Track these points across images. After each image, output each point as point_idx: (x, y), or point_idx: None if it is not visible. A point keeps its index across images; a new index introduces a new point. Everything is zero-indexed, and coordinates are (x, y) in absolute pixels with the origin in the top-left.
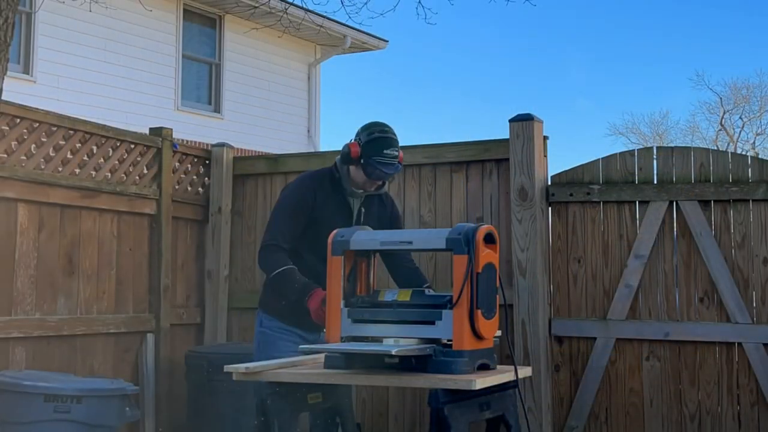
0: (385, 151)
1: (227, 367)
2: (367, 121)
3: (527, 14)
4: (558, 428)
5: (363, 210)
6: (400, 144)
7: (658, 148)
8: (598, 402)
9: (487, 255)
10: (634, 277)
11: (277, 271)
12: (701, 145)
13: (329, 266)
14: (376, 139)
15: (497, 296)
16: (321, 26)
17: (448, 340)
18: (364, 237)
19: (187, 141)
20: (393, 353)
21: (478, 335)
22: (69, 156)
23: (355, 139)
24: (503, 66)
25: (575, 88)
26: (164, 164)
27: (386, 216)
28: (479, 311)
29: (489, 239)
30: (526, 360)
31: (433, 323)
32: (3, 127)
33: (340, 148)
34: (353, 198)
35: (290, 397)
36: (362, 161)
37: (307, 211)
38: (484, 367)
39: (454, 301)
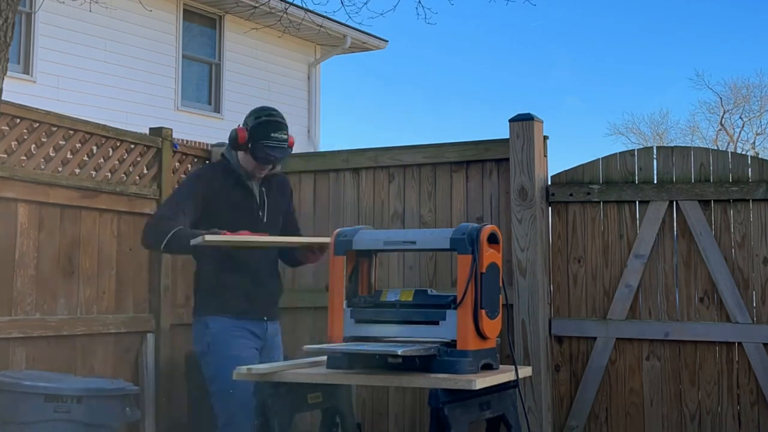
0: (272, 135)
1: (236, 372)
2: (254, 108)
3: (525, 14)
4: (558, 428)
5: (263, 189)
6: (400, 144)
7: (658, 148)
8: (598, 402)
9: (490, 255)
10: (634, 277)
11: (170, 234)
12: (701, 145)
13: (331, 266)
14: (263, 123)
15: (500, 296)
16: (321, 26)
17: (452, 340)
18: (367, 237)
19: (187, 141)
20: (399, 353)
21: (482, 335)
22: (69, 156)
23: (242, 125)
24: (502, 66)
25: (571, 88)
26: (164, 164)
27: (285, 196)
28: (483, 311)
29: (492, 239)
30: (526, 360)
31: (437, 323)
32: (3, 127)
33: (338, 149)
34: (251, 182)
35: (290, 397)
36: (250, 145)
37: (205, 197)
38: (487, 367)
39: (458, 300)
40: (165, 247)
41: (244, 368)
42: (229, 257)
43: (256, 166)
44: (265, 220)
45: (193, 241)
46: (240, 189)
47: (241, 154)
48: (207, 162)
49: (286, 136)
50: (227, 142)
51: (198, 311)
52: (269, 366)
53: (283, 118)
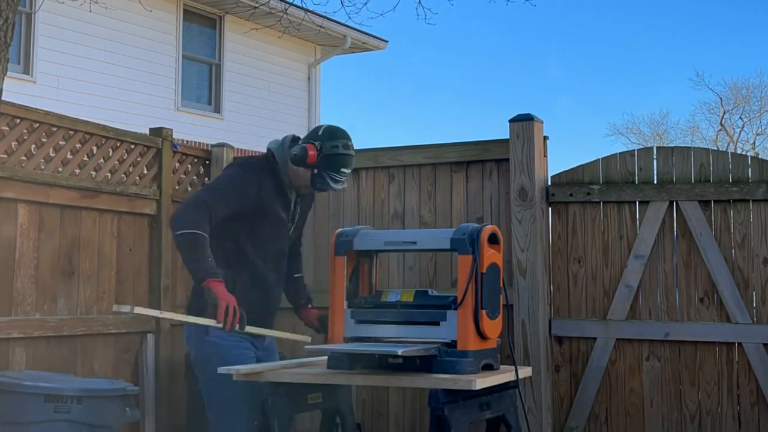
0: (342, 170)
1: (221, 369)
2: (329, 126)
3: (525, 15)
4: (558, 428)
5: (298, 200)
6: (400, 144)
7: (658, 148)
8: (598, 402)
9: (491, 255)
10: (634, 277)
11: (190, 229)
12: (701, 145)
13: (332, 266)
14: (338, 156)
15: (501, 296)
16: (321, 26)
17: (452, 341)
18: (368, 237)
19: (187, 141)
20: (399, 353)
21: (482, 335)
22: (69, 156)
23: (315, 143)
24: (502, 67)
25: (571, 88)
26: (164, 164)
27: (307, 208)
28: (484, 311)
29: (493, 239)
30: (526, 360)
31: (437, 324)
32: (3, 128)
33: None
34: (289, 190)
35: (290, 397)
36: (315, 171)
37: (246, 203)
38: (488, 368)
39: (459, 301)
40: (177, 237)
41: (233, 368)
42: (243, 268)
43: (305, 187)
44: (290, 232)
45: (310, 348)
46: (282, 200)
47: (300, 169)
48: (247, 160)
49: (350, 170)
50: (288, 151)
51: (195, 309)
52: (252, 367)
53: (354, 150)
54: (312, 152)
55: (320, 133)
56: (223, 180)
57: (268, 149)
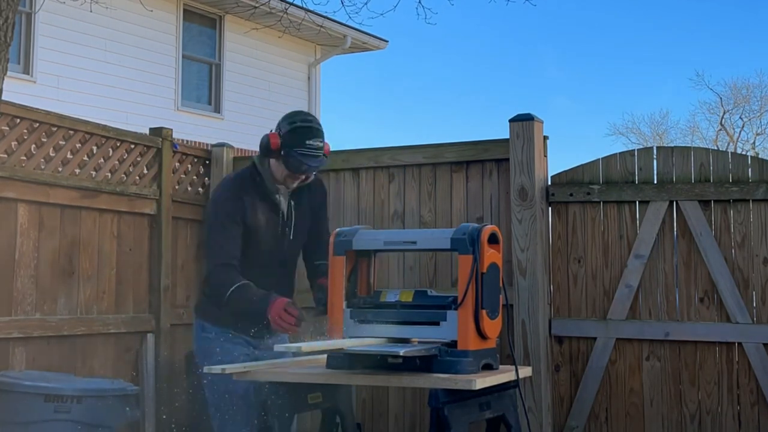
0: (307, 142)
1: (206, 368)
2: (288, 112)
3: (525, 14)
4: (558, 428)
5: (292, 203)
6: (400, 144)
7: (658, 148)
8: (598, 402)
9: (491, 255)
10: (634, 277)
11: (231, 289)
12: (701, 145)
13: (331, 266)
14: (297, 128)
15: (501, 296)
16: (321, 26)
17: (452, 341)
18: (367, 237)
19: (187, 141)
20: (400, 354)
21: (482, 335)
22: (69, 156)
23: (275, 130)
24: (502, 67)
25: (570, 88)
26: (164, 164)
27: (316, 202)
28: (484, 311)
29: (493, 239)
30: (526, 360)
31: (437, 324)
32: (3, 127)
33: (338, 149)
34: (279, 195)
35: (290, 397)
36: (283, 153)
37: (240, 221)
38: (487, 367)
39: (459, 301)
40: (228, 304)
41: (218, 367)
42: (246, 274)
43: (288, 175)
44: (291, 237)
45: (307, 347)
46: (267, 204)
47: (272, 161)
48: (217, 170)
49: (321, 144)
50: (259, 151)
51: (199, 313)
52: (260, 363)
53: (320, 124)
54: (274, 138)
55: (279, 120)
56: (213, 220)
57: (251, 161)
